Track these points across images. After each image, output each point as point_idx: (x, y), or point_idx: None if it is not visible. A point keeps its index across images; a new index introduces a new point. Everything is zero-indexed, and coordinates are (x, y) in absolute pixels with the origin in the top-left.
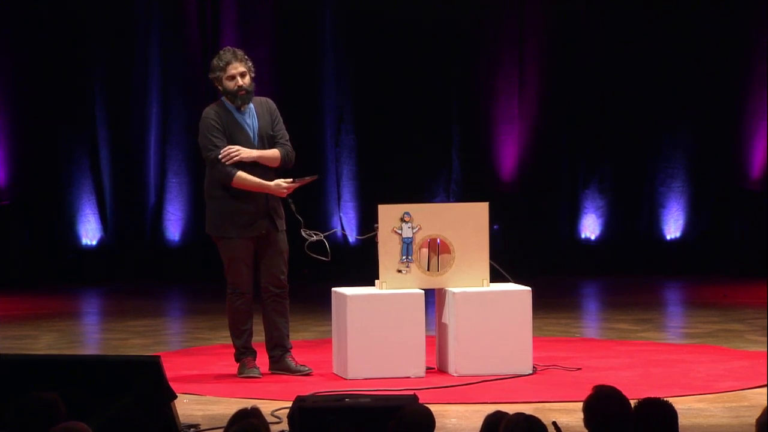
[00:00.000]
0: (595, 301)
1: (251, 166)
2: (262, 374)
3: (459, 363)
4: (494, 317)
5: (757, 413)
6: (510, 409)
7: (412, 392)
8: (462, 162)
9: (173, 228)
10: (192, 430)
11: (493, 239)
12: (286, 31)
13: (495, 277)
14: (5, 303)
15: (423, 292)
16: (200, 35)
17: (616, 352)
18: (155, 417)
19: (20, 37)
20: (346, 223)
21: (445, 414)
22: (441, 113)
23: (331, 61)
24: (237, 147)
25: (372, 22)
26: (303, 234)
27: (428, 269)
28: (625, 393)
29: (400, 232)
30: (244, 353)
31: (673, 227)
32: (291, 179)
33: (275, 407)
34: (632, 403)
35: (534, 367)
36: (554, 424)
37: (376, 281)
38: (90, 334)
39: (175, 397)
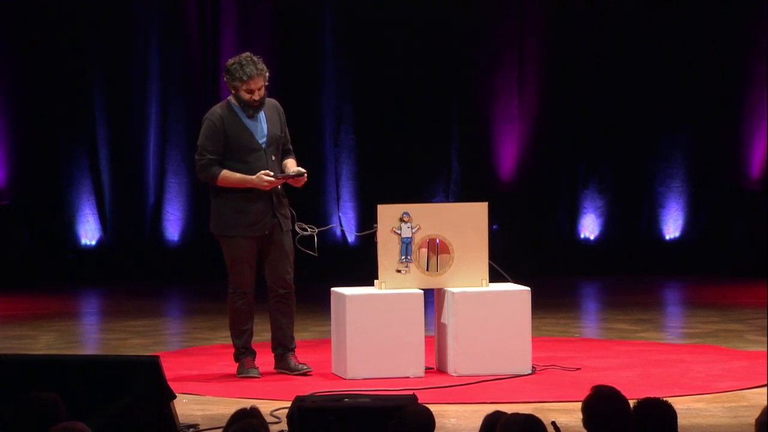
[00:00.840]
0: (595, 301)
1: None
2: (263, 374)
3: (458, 363)
4: (493, 317)
5: (757, 413)
6: (509, 409)
7: (411, 392)
8: (461, 162)
9: (172, 228)
10: (191, 430)
11: (493, 239)
12: (286, 31)
13: (494, 277)
14: (5, 303)
15: (422, 292)
16: (200, 35)
17: (616, 352)
18: (155, 417)
19: (20, 38)
20: (346, 223)
21: (444, 414)
22: (440, 113)
23: (330, 61)
24: (266, 180)
25: (371, 22)
26: (297, 228)
27: (427, 269)
28: (624, 393)
29: (399, 232)
30: (243, 353)
31: (672, 227)
32: (274, 174)
33: (274, 407)
34: (631, 403)
35: (533, 367)
36: (553, 424)
37: (375, 281)
38: (89, 334)
39: (175, 397)
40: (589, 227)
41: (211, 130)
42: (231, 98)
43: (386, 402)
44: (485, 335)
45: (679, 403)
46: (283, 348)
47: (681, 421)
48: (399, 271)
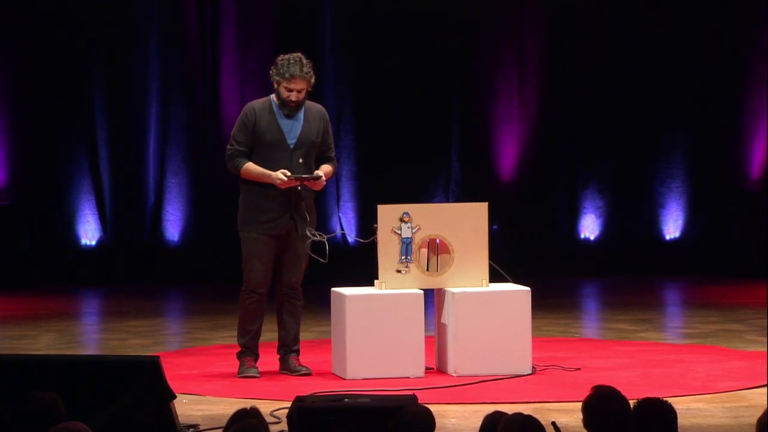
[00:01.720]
0: (595, 302)
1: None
2: (265, 374)
3: (458, 363)
4: (493, 317)
5: (757, 413)
6: (509, 409)
7: (411, 392)
8: (461, 162)
9: (172, 228)
10: (191, 430)
11: (493, 239)
12: (286, 31)
13: (494, 277)
14: (5, 303)
15: (422, 292)
16: (200, 35)
17: (616, 352)
18: (155, 417)
19: (20, 38)
20: (346, 224)
21: (444, 414)
22: (440, 113)
23: (330, 61)
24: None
25: (371, 23)
26: (308, 233)
27: (427, 269)
28: (624, 393)
29: (399, 232)
30: (244, 353)
31: (672, 227)
32: (292, 174)
33: (274, 407)
34: (631, 403)
35: (533, 367)
36: (553, 424)
37: (375, 281)
38: (89, 335)
39: (175, 397)
40: (589, 227)
41: (243, 122)
42: (273, 95)
43: (386, 402)
44: (485, 335)
45: (679, 404)
46: (285, 348)
47: (681, 421)
48: (399, 272)
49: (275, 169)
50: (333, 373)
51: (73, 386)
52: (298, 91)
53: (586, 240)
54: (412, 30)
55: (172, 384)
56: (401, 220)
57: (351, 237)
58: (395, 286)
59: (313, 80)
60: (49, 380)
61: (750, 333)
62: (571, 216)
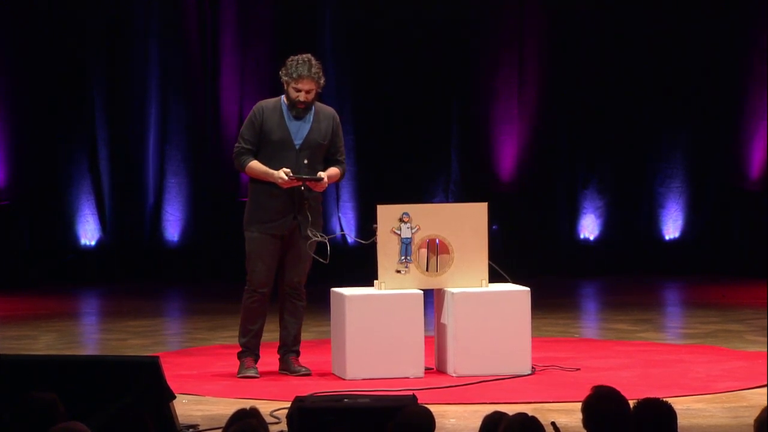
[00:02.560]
0: (594, 302)
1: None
2: (265, 374)
3: (458, 363)
4: (493, 317)
5: (756, 413)
6: (509, 409)
7: (410, 392)
8: (461, 162)
9: (172, 228)
10: (191, 430)
11: (492, 239)
12: (286, 32)
13: (494, 277)
14: (4, 303)
15: (422, 292)
16: (199, 35)
17: (615, 352)
18: (154, 417)
19: (19, 38)
20: (345, 224)
21: (443, 414)
22: (440, 113)
23: (330, 61)
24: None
25: (371, 23)
26: (309, 233)
27: (427, 269)
28: (624, 393)
29: (398, 232)
30: (244, 353)
31: (672, 227)
32: (293, 174)
33: (274, 407)
34: (631, 403)
35: (533, 367)
36: (553, 424)
37: (374, 281)
38: (89, 335)
39: (174, 397)
40: (589, 227)
41: (251, 120)
42: (284, 95)
43: (386, 402)
44: (485, 335)
45: (678, 404)
46: (285, 348)
47: (680, 421)
48: (399, 272)
49: (279, 169)
50: (333, 374)
51: (72, 386)
52: (307, 92)
53: (586, 240)
54: (412, 30)
55: (172, 384)
56: (401, 220)
57: (351, 237)
58: (395, 287)
59: (322, 81)
60: (49, 380)
61: (750, 333)
62: (571, 216)
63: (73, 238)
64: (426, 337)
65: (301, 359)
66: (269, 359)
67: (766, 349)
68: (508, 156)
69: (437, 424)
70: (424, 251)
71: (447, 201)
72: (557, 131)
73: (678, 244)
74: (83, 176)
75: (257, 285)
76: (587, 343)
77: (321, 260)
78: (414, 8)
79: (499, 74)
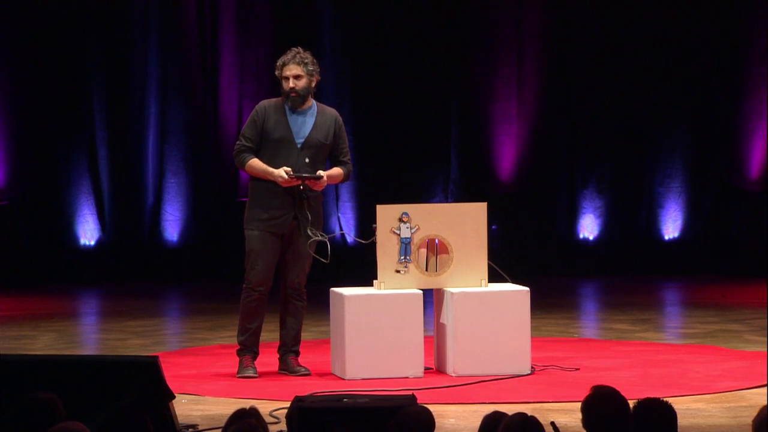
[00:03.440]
0: (594, 302)
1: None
2: (265, 374)
3: (457, 363)
4: (492, 317)
5: (756, 413)
6: (508, 409)
7: (410, 392)
8: (460, 162)
9: (171, 228)
10: (190, 430)
11: (492, 239)
12: (285, 31)
13: (493, 277)
14: (3, 303)
15: (421, 292)
16: (199, 35)
17: (615, 352)
18: (153, 417)
19: (18, 37)
20: (345, 224)
21: (443, 414)
22: (439, 113)
23: (329, 61)
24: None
25: (371, 23)
26: (309, 232)
27: (426, 269)
28: (623, 393)
29: (398, 232)
30: (243, 351)
31: (671, 227)
32: (294, 173)
33: (273, 407)
34: (631, 403)
35: (532, 367)
36: (552, 424)
37: (374, 281)
38: (88, 335)
39: (174, 397)
40: (588, 227)
41: (252, 119)
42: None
43: (385, 402)
44: (484, 335)
45: (678, 404)
46: (284, 348)
47: (680, 421)
48: (398, 272)
49: (280, 168)
50: (332, 373)
51: (71, 386)
52: (294, 77)
53: (585, 240)
54: (411, 30)
55: (171, 384)
56: (400, 220)
57: (351, 237)
58: (394, 286)
59: (311, 68)
60: (48, 380)
61: (749, 333)
62: (570, 216)
63: (73, 238)
64: (425, 337)
65: (301, 359)
66: (269, 359)
67: (765, 349)
68: (507, 156)
69: (437, 424)
70: (423, 251)
71: (446, 201)
72: (556, 131)
73: (677, 244)
74: (82, 176)
75: (256, 283)
76: (587, 343)
77: (322, 260)
78: (413, 9)
79: (497, 75)
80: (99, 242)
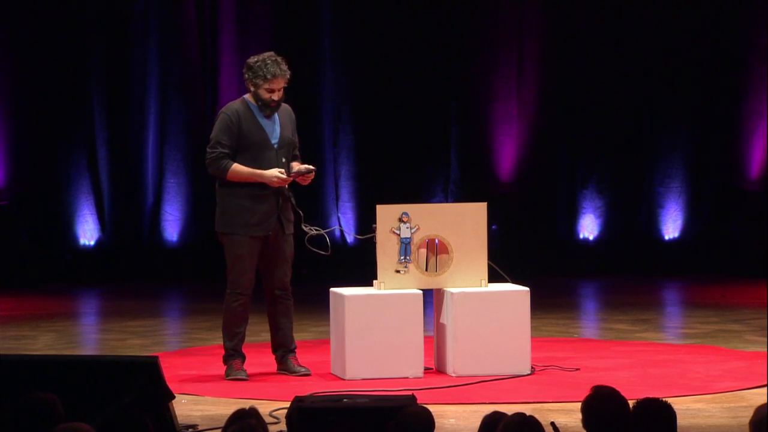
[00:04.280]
0: (594, 302)
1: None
2: (265, 375)
3: (457, 363)
4: (492, 317)
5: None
6: (508, 409)
7: (410, 393)
8: (460, 162)
9: (171, 228)
10: (190, 430)
11: (492, 239)
12: (285, 31)
13: (493, 277)
14: (3, 303)
15: (421, 292)
16: (199, 35)
17: (615, 352)
18: (153, 418)
19: (18, 38)
20: (345, 224)
21: (443, 414)
22: (439, 113)
23: (329, 60)
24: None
25: (371, 23)
26: (304, 228)
27: (426, 269)
28: (623, 393)
29: (398, 232)
30: (233, 356)
31: (671, 227)
32: (287, 173)
33: (273, 407)
34: (630, 403)
35: (532, 367)
36: (552, 424)
37: (374, 281)
38: (88, 335)
39: (173, 397)
40: (588, 227)
41: (227, 124)
42: (247, 96)
43: (385, 402)
44: (484, 336)
45: (678, 404)
46: (283, 349)
47: (680, 421)
48: (398, 272)
49: (264, 170)
50: (332, 374)
51: (71, 387)
52: (279, 91)
53: (585, 240)
54: (411, 30)
55: (171, 384)
56: (400, 220)
57: (349, 235)
58: (394, 287)
59: (289, 77)
60: (48, 380)
61: (749, 333)
62: (570, 216)
63: (72, 238)
64: (425, 337)
65: (301, 359)
66: (268, 360)
67: (765, 349)
68: (507, 156)
69: (436, 424)
70: (423, 251)
71: (446, 201)
72: (556, 131)
73: (677, 244)
74: (82, 176)
75: (244, 288)
76: (586, 343)
77: (322, 252)
78: (413, 9)
79: (497, 75)
80: (99, 242)
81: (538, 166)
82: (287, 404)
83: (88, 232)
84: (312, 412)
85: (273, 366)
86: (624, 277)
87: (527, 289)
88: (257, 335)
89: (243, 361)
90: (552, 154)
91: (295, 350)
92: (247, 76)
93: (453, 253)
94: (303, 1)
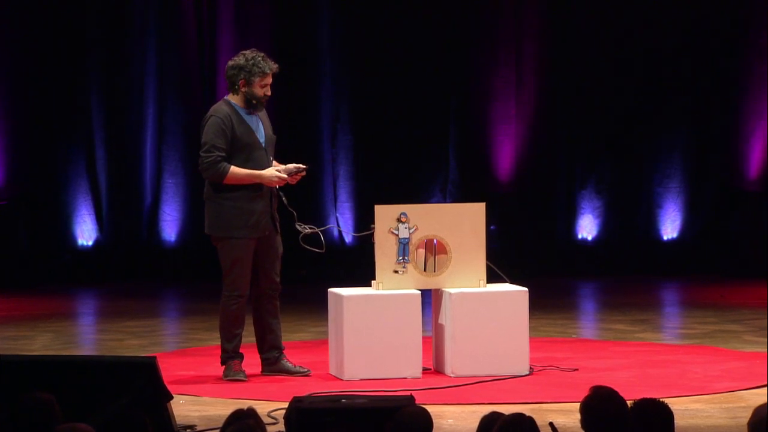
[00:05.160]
0: (592, 302)
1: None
2: (254, 376)
3: (455, 364)
4: (491, 318)
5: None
6: (506, 409)
7: (408, 393)
8: (459, 162)
9: (169, 229)
10: (188, 431)
11: (490, 240)
12: (284, 31)
13: (492, 277)
14: (1, 303)
15: (419, 292)
16: (197, 35)
17: (613, 352)
18: (151, 418)
19: (17, 38)
20: (343, 224)
21: (441, 415)
22: (438, 113)
23: (327, 60)
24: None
25: (369, 22)
26: (297, 227)
27: (425, 270)
28: (621, 394)
29: (396, 232)
30: (232, 357)
31: (670, 227)
32: (285, 172)
33: (272, 408)
34: (629, 403)
35: (531, 367)
36: (551, 424)
37: (372, 282)
38: (86, 335)
39: (172, 398)
40: (587, 228)
41: (220, 127)
42: (229, 98)
43: (384, 403)
44: (483, 336)
45: (676, 404)
46: (277, 351)
47: (679, 421)
48: (396, 272)
49: (257, 169)
50: (330, 374)
51: (69, 387)
52: (269, 86)
53: (584, 240)
54: (409, 30)
55: (169, 385)
56: (398, 220)
57: (347, 234)
58: (392, 287)
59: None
60: (46, 381)
61: (748, 333)
62: (569, 216)
63: (71, 238)
64: (424, 338)
65: (299, 360)
66: (249, 361)
67: (764, 350)
68: (506, 156)
69: (435, 425)
70: (421, 251)
71: (445, 201)
72: (555, 131)
73: (676, 245)
74: (80, 176)
75: (243, 289)
76: (585, 343)
77: (317, 250)
78: (412, 8)
79: (496, 75)
80: (97, 242)
81: (537, 167)
82: (286, 405)
83: (86, 233)
84: (310, 413)
85: (261, 369)
86: (623, 278)
87: (526, 289)
88: (254, 336)
89: (241, 362)
90: (551, 155)
91: (284, 350)
92: (240, 74)
93: (451, 253)
94: (301, 1)
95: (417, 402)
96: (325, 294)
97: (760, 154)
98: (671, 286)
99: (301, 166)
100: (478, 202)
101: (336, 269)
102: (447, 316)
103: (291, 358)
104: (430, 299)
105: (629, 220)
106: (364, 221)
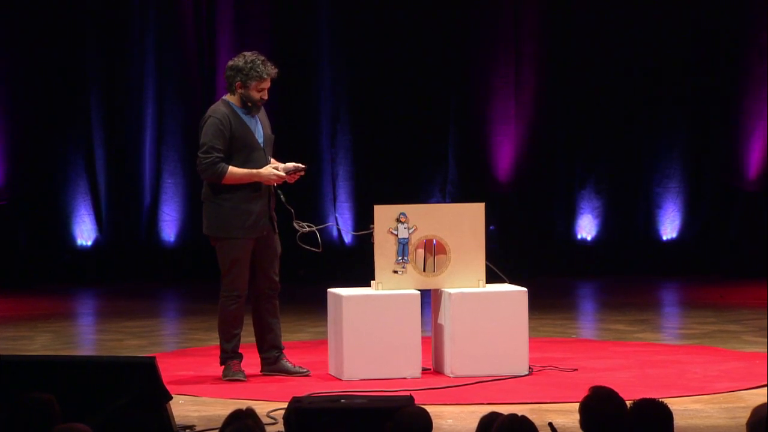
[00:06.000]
0: (592, 302)
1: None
2: (252, 376)
3: (455, 364)
4: (490, 318)
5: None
6: (506, 410)
7: (408, 393)
8: (458, 162)
9: (169, 229)
10: (187, 431)
11: (489, 240)
12: (283, 31)
13: (491, 277)
14: (1, 303)
15: (419, 292)
16: (196, 35)
17: (612, 352)
18: (151, 418)
19: (16, 38)
20: (342, 224)
21: (440, 415)
22: (437, 113)
23: (327, 60)
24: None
25: (368, 22)
26: (295, 225)
27: (424, 270)
28: (621, 394)
29: (395, 232)
30: (231, 357)
31: (669, 228)
32: (284, 171)
33: (271, 408)
34: (628, 404)
35: (530, 367)
36: (550, 425)
37: (371, 282)
38: (85, 335)
39: (171, 398)
40: (586, 228)
41: (218, 128)
42: (227, 98)
43: (383, 403)
44: (482, 336)
45: (675, 404)
46: (277, 350)
47: (678, 422)
48: (396, 272)
49: (257, 170)
50: (330, 374)
51: (69, 387)
52: (267, 89)
53: (583, 240)
54: (408, 30)
55: (169, 385)
56: (398, 220)
57: (346, 233)
58: (392, 287)
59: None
60: (45, 381)
61: (747, 334)
62: (568, 216)
63: (70, 238)
64: (423, 338)
65: (299, 360)
66: (249, 360)
67: (764, 350)
68: (505, 156)
69: (434, 425)
70: (421, 251)
71: (444, 201)
72: (554, 131)
73: (675, 245)
74: (80, 176)
75: (242, 289)
76: (584, 343)
77: (314, 250)
78: (411, 8)
79: (495, 74)
80: (96, 242)
81: (536, 167)
82: (285, 405)
83: (85, 233)
84: (310, 413)
85: (261, 368)
86: (622, 278)
87: (525, 289)
88: (253, 336)
89: (240, 362)
90: (550, 155)
91: (284, 350)
92: (237, 76)
93: (451, 253)
94: (301, 1)
95: (416, 402)
96: (325, 294)
97: (760, 154)
98: (671, 286)
99: (300, 165)
100: (477, 202)
101: (335, 269)
102: (446, 317)
103: (290, 358)
104: (430, 299)
105: (629, 220)
106: (364, 221)
